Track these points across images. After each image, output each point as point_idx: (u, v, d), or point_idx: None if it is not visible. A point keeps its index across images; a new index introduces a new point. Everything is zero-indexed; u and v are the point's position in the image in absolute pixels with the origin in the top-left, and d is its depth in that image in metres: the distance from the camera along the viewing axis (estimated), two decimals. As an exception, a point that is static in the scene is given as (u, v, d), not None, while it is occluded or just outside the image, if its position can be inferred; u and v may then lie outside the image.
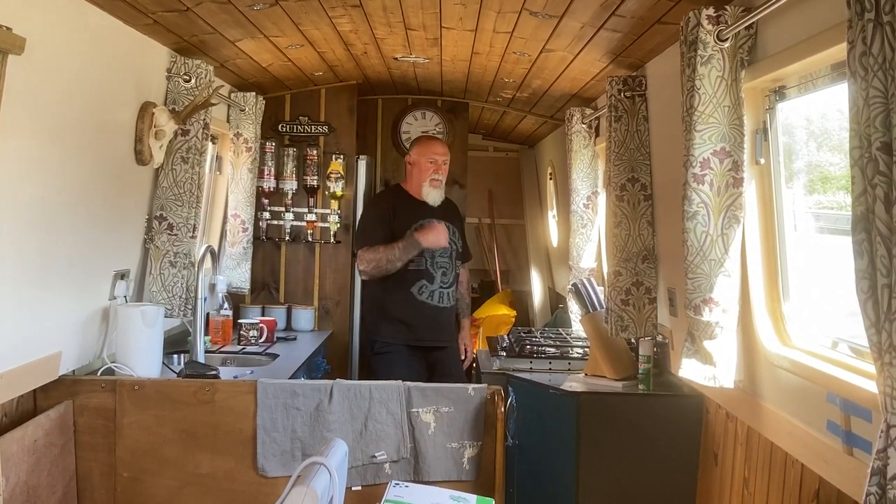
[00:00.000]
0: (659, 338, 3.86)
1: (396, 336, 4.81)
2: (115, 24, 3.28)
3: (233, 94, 5.01)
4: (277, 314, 5.35)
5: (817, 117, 2.91)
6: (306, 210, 5.62)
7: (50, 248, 3.00)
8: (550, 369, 4.23)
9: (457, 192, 6.23)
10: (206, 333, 4.51)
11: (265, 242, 5.61)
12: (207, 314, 4.61)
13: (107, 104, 3.34)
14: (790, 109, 2.83)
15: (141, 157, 3.62)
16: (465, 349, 5.16)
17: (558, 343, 4.68)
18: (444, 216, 4.91)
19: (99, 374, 3.44)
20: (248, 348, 4.72)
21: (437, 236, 4.73)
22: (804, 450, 2.52)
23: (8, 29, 2.43)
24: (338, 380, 3.30)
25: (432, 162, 4.87)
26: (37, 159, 2.82)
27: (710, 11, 2.74)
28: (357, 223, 5.39)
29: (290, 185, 5.57)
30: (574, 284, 4.52)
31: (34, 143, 2.78)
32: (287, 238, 5.61)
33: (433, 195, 4.87)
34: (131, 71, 3.52)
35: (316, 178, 5.60)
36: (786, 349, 2.74)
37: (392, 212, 4.87)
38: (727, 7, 2.74)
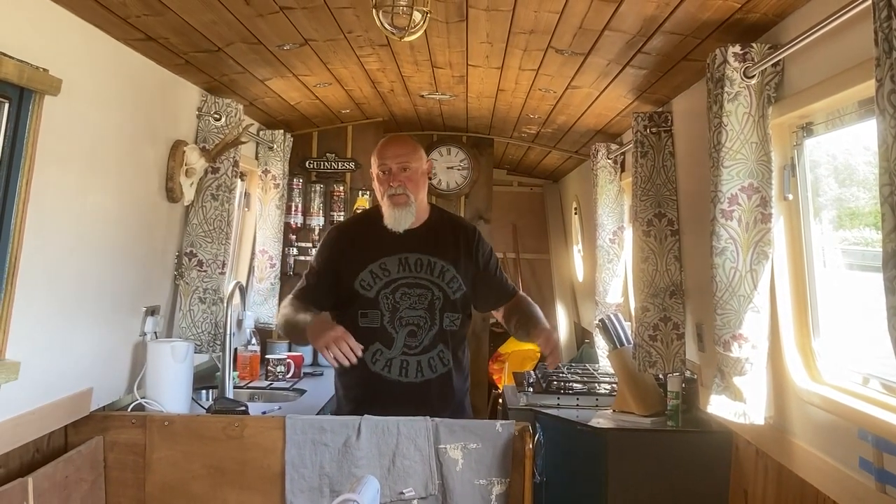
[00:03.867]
0: (687, 373, 3.84)
1: None
2: (147, 64, 3.34)
3: (261, 132, 5.07)
4: (304, 349, 5.36)
5: (844, 153, 2.91)
6: (333, 246, 5.65)
7: (81, 285, 3.04)
8: (578, 405, 4.21)
9: (482, 227, 6.25)
10: (234, 369, 4.53)
11: (292, 278, 5.63)
12: (235, 350, 4.63)
13: (139, 143, 3.40)
14: (818, 145, 2.83)
15: (172, 194, 3.67)
16: (548, 341, 3.26)
17: (585, 379, 4.66)
18: (424, 246, 3.44)
19: (129, 409, 3.47)
20: (276, 384, 4.74)
21: (327, 342, 3.04)
22: (836, 487, 2.49)
23: (45, 70, 2.49)
24: (365, 415, 3.30)
25: (384, 171, 3.39)
26: (70, 197, 2.87)
27: (737, 49, 2.76)
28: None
29: (317, 221, 5.62)
30: (601, 320, 4.51)
31: (68, 180, 2.84)
32: (314, 274, 5.64)
33: (394, 218, 3.37)
34: (163, 110, 3.58)
35: (342, 213, 5.65)
36: (816, 385, 2.72)
37: (348, 242, 3.49)
38: (753, 44, 2.76)
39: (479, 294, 3.57)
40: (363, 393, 3.41)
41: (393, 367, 3.36)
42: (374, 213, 3.53)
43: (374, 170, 3.44)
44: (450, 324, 3.42)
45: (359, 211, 5.60)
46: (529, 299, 3.65)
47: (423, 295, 3.39)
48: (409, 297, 3.38)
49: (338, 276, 3.41)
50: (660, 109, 3.94)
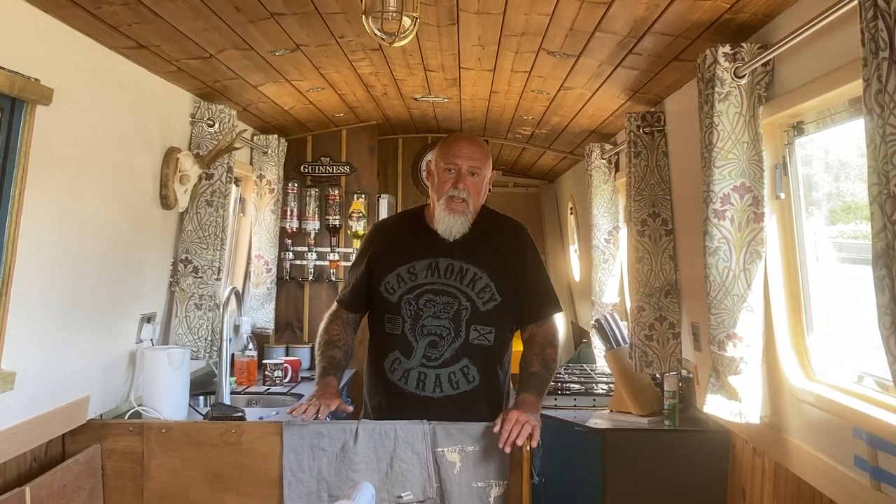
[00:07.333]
0: (684, 373, 3.85)
1: None
2: (139, 71, 3.35)
3: (255, 137, 5.07)
4: (301, 354, 5.37)
5: (837, 148, 2.91)
6: (329, 249, 5.68)
7: (77, 293, 3.05)
8: (575, 406, 4.21)
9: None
10: (232, 374, 4.52)
11: (289, 282, 5.65)
12: (232, 355, 4.63)
13: (132, 150, 3.40)
14: (812, 140, 2.84)
15: (166, 201, 3.67)
16: (501, 421, 2.96)
17: (582, 379, 4.66)
18: (460, 251, 3.17)
19: (126, 417, 3.47)
20: (273, 388, 4.74)
21: (301, 409, 3.04)
22: (832, 485, 2.50)
23: (36, 80, 2.49)
24: (362, 420, 3.30)
25: (450, 169, 3.14)
26: (64, 205, 2.87)
27: (727, 49, 2.76)
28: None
29: (313, 225, 5.63)
30: (597, 320, 4.52)
31: (62, 189, 2.84)
32: (310, 277, 5.65)
33: (447, 223, 3.13)
34: (156, 117, 3.58)
35: (338, 217, 5.66)
36: (811, 384, 2.73)
37: (383, 242, 3.28)
38: (743, 44, 2.76)
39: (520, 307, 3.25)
40: (381, 401, 3.28)
41: (410, 378, 3.15)
42: (416, 212, 3.35)
43: (439, 163, 3.16)
44: (479, 338, 3.18)
45: (354, 213, 5.61)
46: (548, 345, 3.28)
47: (449, 304, 3.13)
48: (434, 304, 3.14)
49: (370, 277, 3.23)
50: (652, 109, 3.94)
